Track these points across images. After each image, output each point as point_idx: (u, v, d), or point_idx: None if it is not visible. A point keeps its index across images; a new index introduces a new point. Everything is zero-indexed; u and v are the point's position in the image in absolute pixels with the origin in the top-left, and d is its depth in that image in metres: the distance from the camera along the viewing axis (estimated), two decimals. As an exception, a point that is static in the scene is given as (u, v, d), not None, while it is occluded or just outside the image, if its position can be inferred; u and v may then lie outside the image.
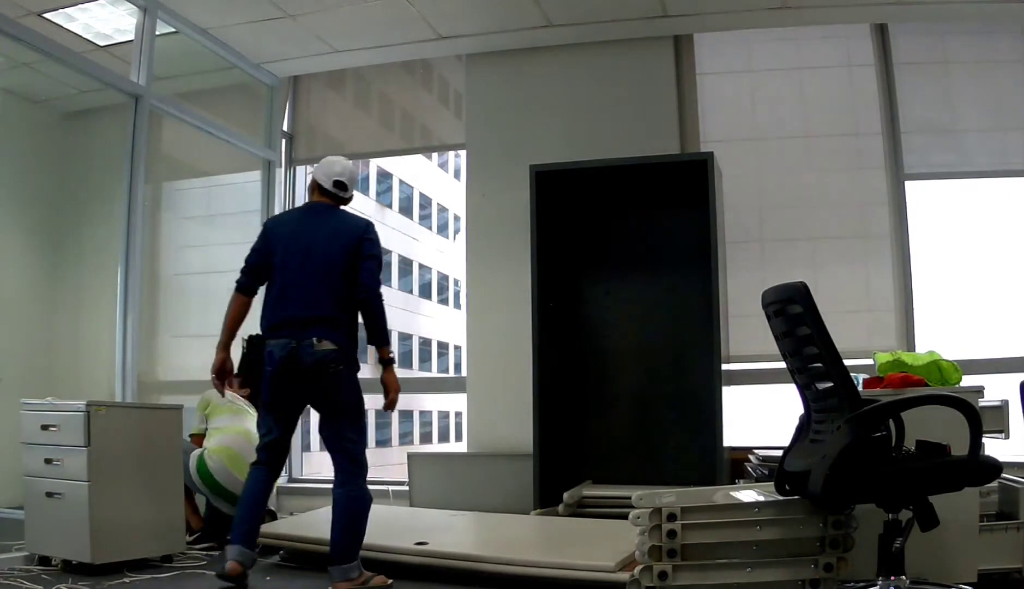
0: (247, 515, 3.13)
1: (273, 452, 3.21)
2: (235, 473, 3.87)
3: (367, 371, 3.35)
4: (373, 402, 3.43)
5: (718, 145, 4.75)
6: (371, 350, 3.27)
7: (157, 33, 4.61)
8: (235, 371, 3.23)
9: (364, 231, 3.22)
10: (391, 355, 3.18)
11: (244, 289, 3.26)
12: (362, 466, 3.14)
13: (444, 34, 5.01)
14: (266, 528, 3.81)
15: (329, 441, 3.15)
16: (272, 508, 4.07)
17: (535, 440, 4.30)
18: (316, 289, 3.12)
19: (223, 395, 3.73)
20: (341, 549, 3.04)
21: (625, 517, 2.62)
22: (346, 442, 3.12)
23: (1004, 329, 4.42)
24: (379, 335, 3.16)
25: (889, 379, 2.99)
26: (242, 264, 3.29)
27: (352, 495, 3.08)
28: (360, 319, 3.19)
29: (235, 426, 4.05)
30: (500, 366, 4.90)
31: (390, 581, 3.12)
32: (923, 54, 4.74)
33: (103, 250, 4.66)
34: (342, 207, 3.35)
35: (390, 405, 3.18)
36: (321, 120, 5.79)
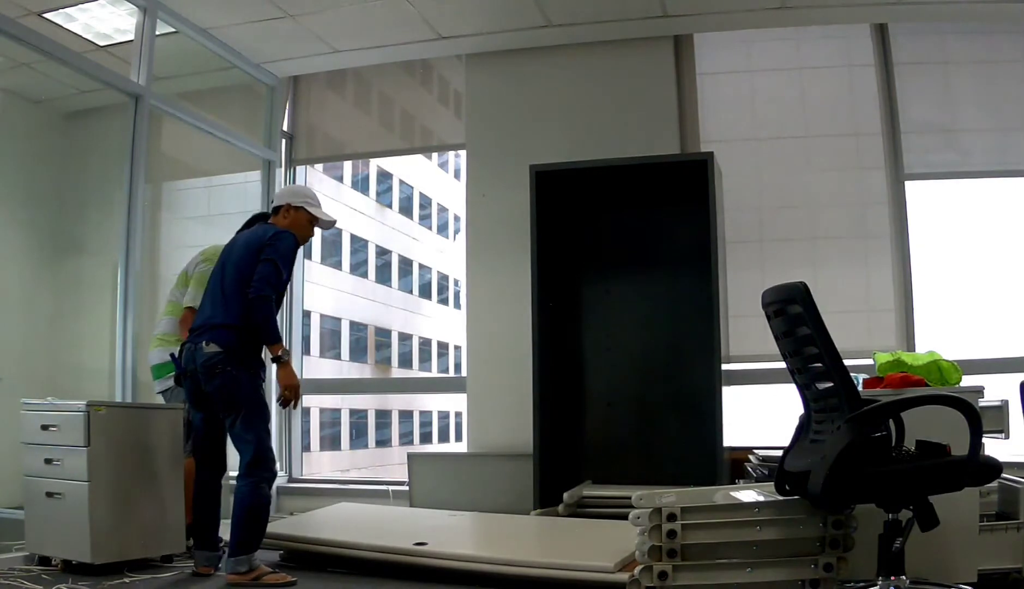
0: (201, 518, 3.41)
1: (205, 449, 3.44)
2: None
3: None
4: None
5: (718, 145, 4.75)
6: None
7: (157, 33, 4.61)
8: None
9: (268, 238, 3.36)
10: (280, 352, 3.29)
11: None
12: (257, 466, 3.25)
13: (444, 34, 5.01)
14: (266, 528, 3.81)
15: (232, 438, 3.34)
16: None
17: (535, 440, 4.30)
18: (222, 299, 3.34)
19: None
20: (232, 541, 3.23)
21: (625, 517, 2.62)
22: (240, 442, 3.29)
23: (1004, 329, 4.42)
24: (266, 334, 3.30)
25: (889, 379, 2.99)
26: None
27: (243, 491, 3.23)
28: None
29: None
30: (500, 366, 4.90)
31: (293, 579, 3.21)
32: (923, 54, 4.75)
33: (103, 250, 4.66)
34: (273, 220, 3.54)
35: (284, 401, 3.32)
36: (321, 120, 5.79)
